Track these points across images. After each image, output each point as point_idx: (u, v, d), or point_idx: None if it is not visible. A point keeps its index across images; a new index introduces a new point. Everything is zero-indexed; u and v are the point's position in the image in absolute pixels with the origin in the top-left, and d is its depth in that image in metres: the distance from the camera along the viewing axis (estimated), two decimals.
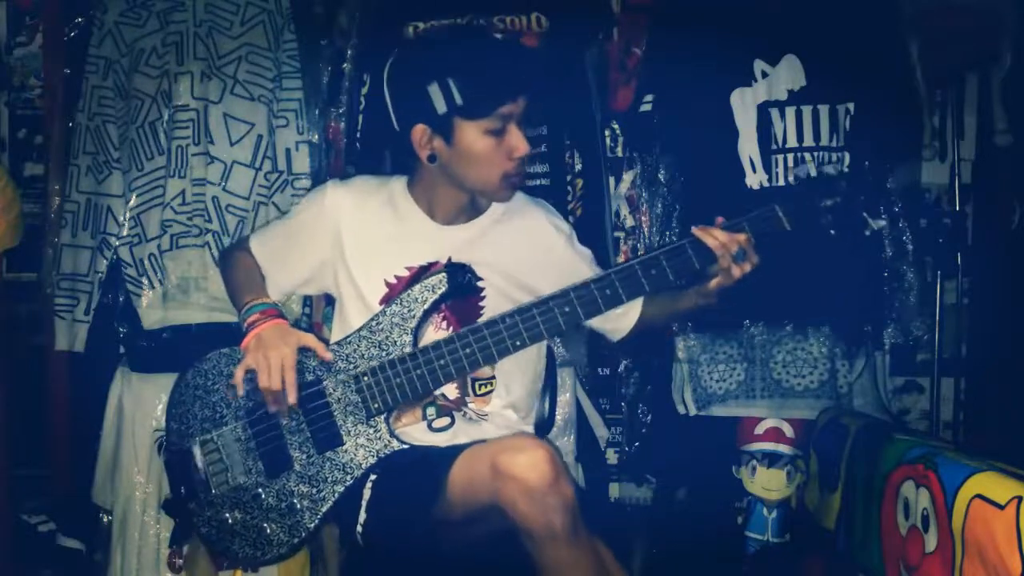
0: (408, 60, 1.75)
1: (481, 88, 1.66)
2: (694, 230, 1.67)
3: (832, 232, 1.69)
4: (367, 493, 1.68)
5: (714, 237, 1.64)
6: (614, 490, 2.81)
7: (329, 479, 1.70)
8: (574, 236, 1.96)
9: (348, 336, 1.76)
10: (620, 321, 1.94)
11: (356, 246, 1.81)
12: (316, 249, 1.84)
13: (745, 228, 1.67)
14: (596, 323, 1.92)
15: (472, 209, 1.86)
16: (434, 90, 1.65)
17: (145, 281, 2.44)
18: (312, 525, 1.70)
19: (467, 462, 1.57)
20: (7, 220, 2.31)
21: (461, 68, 1.67)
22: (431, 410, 1.79)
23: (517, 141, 1.69)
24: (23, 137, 2.87)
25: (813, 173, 1.76)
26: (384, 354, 1.71)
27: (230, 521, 1.73)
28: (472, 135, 1.68)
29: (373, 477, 1.69)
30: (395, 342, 1.72)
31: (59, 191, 2.53)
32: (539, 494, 1.44)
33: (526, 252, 1.86)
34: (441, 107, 1.66)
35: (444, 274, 1.73)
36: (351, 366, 1.73)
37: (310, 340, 1.73)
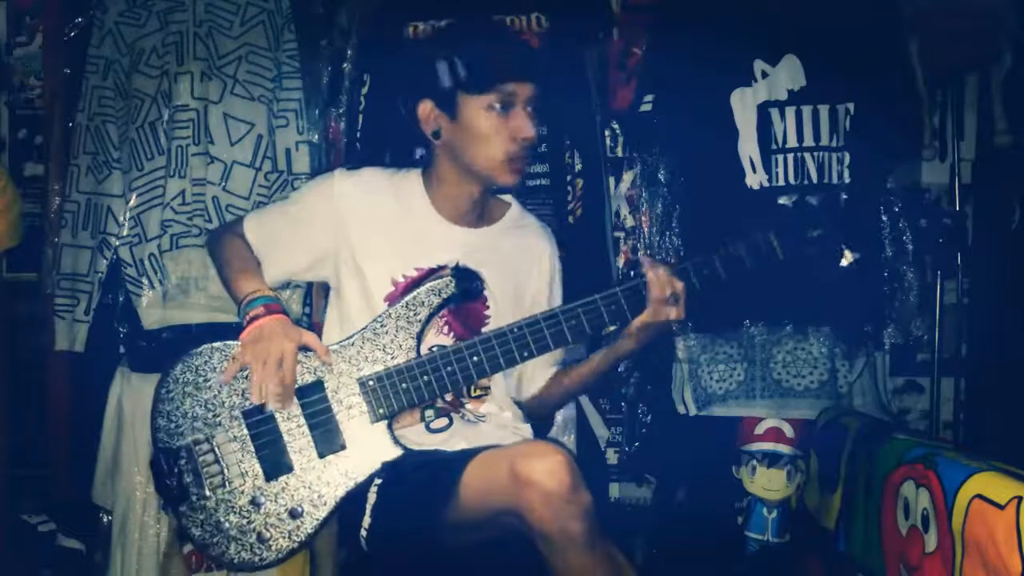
0: (423, 43, 1.80)
1: (483, 61, 1.71)
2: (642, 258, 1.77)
3: (816, 260, 1.77)
4: (372, 497, 1.66)
5: (656, 275, 1.69)
6: (614, 490, 2.81)
7: (331, 483, 1.67)
8: (559, 277, 1.97)
9: (351, 337, 1.74)
10: (528, 383, 1.94)
11: (363, 239, 1.79)
12: (319, 237, 1.81)
13: (690, 274, 1.72)
14: (511, 376, 1.93)
15: (483, 212, 1.87)
16: (441, 66, 1.73)
17: (145, 281, 2.44)
18: (312, 530, 1.67)
19: (482, 467, 1.55)
20: (7, 220, 2.31)
21: (466, 45, 1.74)
22: (429, 412, 1.78)
23: (522, 122, 1.73)
24: (23, 137, 2.87)
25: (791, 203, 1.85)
26: (388, 357, 1.70)
27: (225, 525, 1.67)
28: (475, 110, 1.72)
29: (378, 481, 1.67)
30: (400, 345, 1.70)
31: (59, 191, 2.53)
32: (558, 500, 1.42)
33: (525, 275, 1.89)
34: (446, 81, 1.72)
35: (452, 279, 1.72)
36: (354, 368, 1.71)
37: (312, 339, 1.70)
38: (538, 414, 1.96)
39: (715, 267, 1.73)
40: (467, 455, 1.60)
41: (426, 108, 1.77)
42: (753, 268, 1.74)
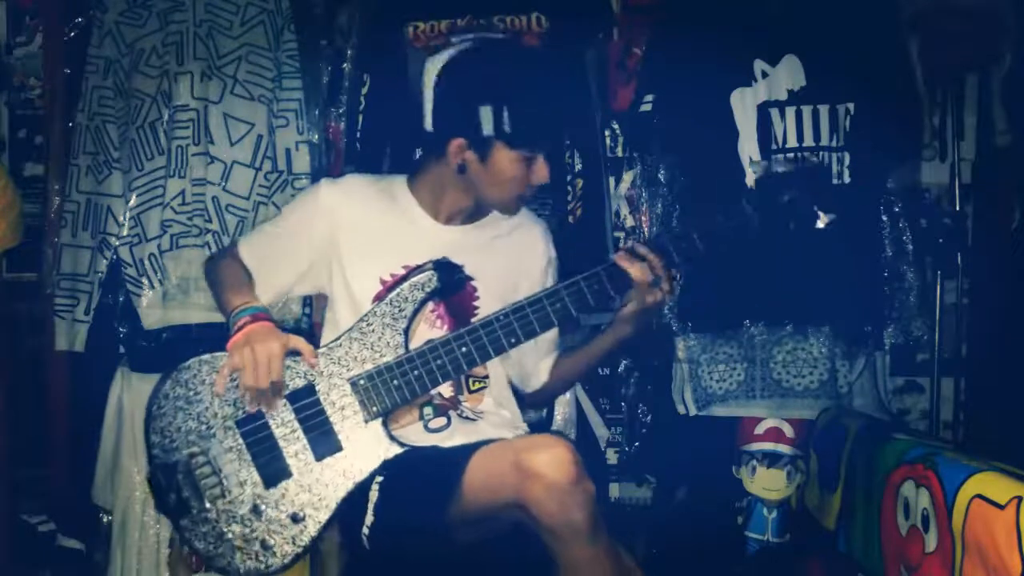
0: (463, 72, 1.73)
1: (531, 122, 1.70)
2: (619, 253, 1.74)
3: (791, 227, 1.76)
4: (374, 495, 1.66)
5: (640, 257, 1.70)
6: (614, 490, 2.82)
7: (330, 485, 1.67)
8: (554, 265, 1.98)
9: (338, 338, 1.74)
10: (532, 376, 1.97)
11: (353, 242, 1.81)
12: (309, 248, 1.83)
13: (666, 244, 1.74)
14: (514, 370, 1.95)
15: (475, 211, 1.87)
16: (485, 111, 1.68)
17: (145, 281, 2.44)
18: (315, 533, 1.66)
19: (485, 460, 1.56)
20: (7, 220, 2.31)
21: (515, 97, 1.69)
22: (428, 410, 1.78)
23: (543, 171, 1.75)
24: (23, 137, 2.87)
25: (760, 172, 1.84)
26: (376, 355, 1.70)
27: (229, 536, 1.67)
28: (507, 160, 1.72)
29: (380, 479, 1.67)
30: (387, 343, 1.71)
31: (59, 191, 2.53)
32: (563, 491, 1.44)
33: (516, 264, 1.90)
34: (488, 129, 1.68)
35: (433, 272, 1.72)
36: (344, 369, 1.70)
37: (299, 343, 1.70)
38: (539, 404, 1.99)
39: (692, 238, 1.75)
40: (469, 449, 1.61)
41: (458, 145, 1.74)
42: (730, 236, 1.75)
